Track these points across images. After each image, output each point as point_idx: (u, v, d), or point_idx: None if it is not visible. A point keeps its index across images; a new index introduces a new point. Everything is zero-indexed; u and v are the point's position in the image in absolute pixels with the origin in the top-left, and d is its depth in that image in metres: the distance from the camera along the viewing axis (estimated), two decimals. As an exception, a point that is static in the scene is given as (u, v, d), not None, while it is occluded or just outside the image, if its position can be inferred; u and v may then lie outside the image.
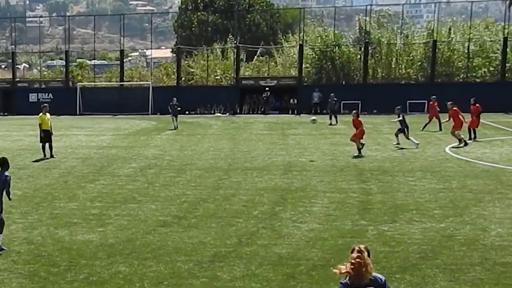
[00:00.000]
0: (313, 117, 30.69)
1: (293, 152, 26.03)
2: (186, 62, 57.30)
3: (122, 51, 58.32)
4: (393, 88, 50.09)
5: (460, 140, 27.42)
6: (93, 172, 21.94)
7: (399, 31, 53.86)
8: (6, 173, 12.59)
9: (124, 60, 62.88)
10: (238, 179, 19.95)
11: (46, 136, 25.39)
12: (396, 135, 28.05)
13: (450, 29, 53.35)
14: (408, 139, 27.37)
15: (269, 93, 50.51)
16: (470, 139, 28.98)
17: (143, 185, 19.30)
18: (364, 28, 52.97)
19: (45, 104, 27.48)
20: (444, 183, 18.78)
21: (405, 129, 27.51)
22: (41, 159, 25.01)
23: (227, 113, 50.35)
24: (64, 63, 59.41)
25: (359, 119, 26.13)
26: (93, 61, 70.57)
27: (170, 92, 52.08)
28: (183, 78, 54.95)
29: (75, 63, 65.93)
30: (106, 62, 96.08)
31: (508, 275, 10.67)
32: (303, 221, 14.38)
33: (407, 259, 11.55)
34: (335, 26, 56.43)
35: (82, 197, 17.61)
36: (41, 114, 25.71)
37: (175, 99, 38.69)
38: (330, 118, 39.36)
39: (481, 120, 30.73)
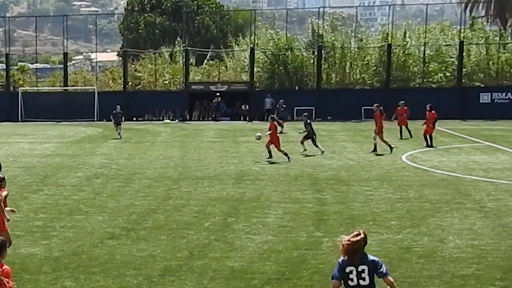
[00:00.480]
0: (258, 134, 28.18)
1: (245, 161, 25.65)
2: (133, 66, 56.22)
3: (65, 54, 56.47)
4: (347, 93, 49.84)
5: (375, 146, 27.85)
6: (37, 182, 21.35)
7: (353, 34, 53.69)
8: None
9: (68, 64, 60.93)
10: (189, 188, 19.59)
11: None
12: (302, 143, 27.97)
13: (405, 33, 53.07)
14: (316, 146, 27.60)
15: (219, 98, 49.92)
16: (427, 146, 28.98)
17: (89, 195, 18.87)
18: (317, 31, 52.77)
19: None
20: (401, 193, 18.58)
21: (313, 136, 27.70)
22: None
23: (177, 120, 49.66)
24: (5, 67, 57.12)
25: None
26: (35, 64, 68.68)
27: (117, 97, 51.17)
28: (130, 83, 53.98)
29: (16, 67, 63.43)
30: (49, 66, 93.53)
31: (467, 288, 10.52)
32: (257, 233, 14.10)
33: (364, 272, 11.20)
34: (287, 29, 56.45)
35: (25, 208, 16.96)
36: None
37: (118, 107, 37.38)
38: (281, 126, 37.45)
39: (437, 127, 30.76)
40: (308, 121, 28.08)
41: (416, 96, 45.04)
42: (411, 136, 33.01)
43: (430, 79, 51.48)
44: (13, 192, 18.78)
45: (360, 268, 7.54)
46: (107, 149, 30.51)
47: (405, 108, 34.24)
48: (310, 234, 13.93)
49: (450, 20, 73.81)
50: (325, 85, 51.91)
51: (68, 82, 54.27)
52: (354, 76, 52.58)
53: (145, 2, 75.96)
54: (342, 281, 7.57)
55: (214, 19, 74.51)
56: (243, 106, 50.95)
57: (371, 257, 7.71)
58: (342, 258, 7.59)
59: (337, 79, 52.80)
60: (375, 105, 29.65)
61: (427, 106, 30.43)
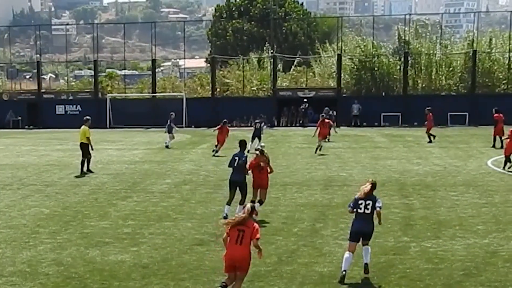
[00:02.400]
0: (262, 144, 27.33)
1: (333, 167, 25.76)
2: (221, 72, 56.89)
3: (153, 61, 57.40)
4: (433, 99, 49.21)
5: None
6: (125, 189, 21.34)
7: (438, 41, 53.37)
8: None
9: (156, 70, 62.01)
10: (277, 195, 19.68)
11: (86, 150, 25.08)
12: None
13: (490, 40, 52.91)
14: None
15: (307, 104, 50.15)
16: None
17: (178, 202, 18.90)
18: (403, 37, 52.48)
19: (88, 117, 26.46)
20: (486, 198, 18.56)
21: (257, 137, 30.07)
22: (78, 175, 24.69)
23: (265, 126, 49.95)
24: (93, 73, 58.06)
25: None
26: (123, 71, 69.00)
27: (205, 103, 52.15)
28: (218, 89, 54.61)
29: (104, 73, 64.42)
30: (137, 72, 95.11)
31: (554, 292, 10.46)
32: (345, 238, 13.99)
33: (450, 277, 11.39)
34: (373, 35, 56.13)
35: (114, 215, 17.10)
36: (83, 127, 25.30)
37: (173, 114, 37.01)
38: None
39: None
40: (262, 123, 29.57)
41: (501, 102, 44.19)
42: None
43: None
44: (101, 199, 19.37)
45: (367, 201, 11.62)
46: (196, 155, 30.80)
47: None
48: (397, 239, 14.01)
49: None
50: (411, 91, 51.60)
51: (157, 89, 54.91)
52: (440, 82, 52.25)
53: (233, 9, 76.99)
54: (355, 210, 11.68)
55: (302, 26, 74.88)
56: (330, 112, 50.90)
57: (374, 196, 11.82)
58: (358, 196, 11.80)
59: (423, 85, 52.51)
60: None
61: None
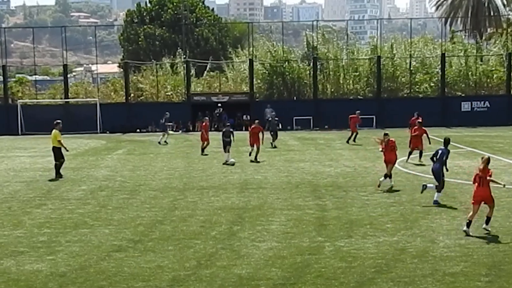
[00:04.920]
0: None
1: (248, 170, 26.16)
2: (134, 77, 56.46)
3: (65, 66, 56.06)
4: (342, 103, 51.03)
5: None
6: (40, 196, 20.85)
7: (344, 47, 55.17)
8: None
9: (68, 76, 60.62)
10: (194, 199, 19.85)
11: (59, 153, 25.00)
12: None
13: (392, 46, 55.61)
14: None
15: (221, 109, 50.49)
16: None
17: (94, 208, 18.70)
18: (311, 43, 53.80)
19: (59, 121, 26.26)
20: (394, 197, 19.44)
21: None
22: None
23: (180, 131, 50.03)
24: (2, 79, 55.65)
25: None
26: (34, 76, 67.22)
27: (119, 109, 51.64)
28: (132, 94, 54.19)
29: (14, 79, 61.84)
30: (48, 78, 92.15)
31: (456, 285, 11.13)
32: (262, 240, 14.44)
33: (363, 274, 11.81)
34: (283, 41, 57.18)
35: (28, 224, 16.68)
36: (54, 131, 25.19)
37: (168, 113, 40.16)
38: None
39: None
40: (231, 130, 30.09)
41: (405, 105, 46.76)
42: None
43: (417, 89, 53.40)
44: (15, 208, 18.85)
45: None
46: (111, 161, 30.53)
47: (359, 118, 36.26)
48: (312, 239, 14.41)
49: (432, 33, 76.78)
50: (321, 95, 53.06)
51: (69, 94, 53.81)
52: (348, 86, 54.09)
53: (144, 14, 76.40)
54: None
55: (213, 31, 75.21)
56: (244, 116, 51.57)
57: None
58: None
59: (332, 90, 54.10)
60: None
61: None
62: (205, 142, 32.49)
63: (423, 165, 26.15)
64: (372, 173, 24.54)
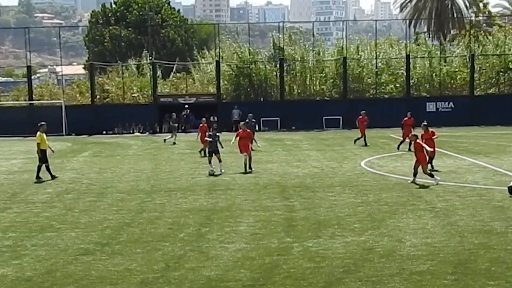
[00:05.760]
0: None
1: (216, 171, 26.01)
2: (100, 79, 56.02)
3: (29, 67, 55.38)
4: (309, 104, 51.52)
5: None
6: (4, 200, 20.51)
7: (310, 48, 55.53)
8: None
9: (32, 77, 59.89)
10: (162, 201, 19.76)
11: (44, 156, 24.76)
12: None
13: (358, 47, 56.36)
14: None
15: (188, 110, 50.41)
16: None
17: (61, 211, 18.47)
18: (278, 44, 54.02)
19: (43, 123, 25.78)
20: (362, 197, 19.59)
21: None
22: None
23: (147, 132, 49.83)
24: None
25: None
26: None
27: (85, 110, 51.22)
28: (98, 96, 53.71)
29: None
30: (12, 80, 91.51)
31: (423, 284, 11.25)
32: (230, 241, 14.44)
33: (332, 274, 11.88)
34: (250, 42, 57.32)
35: None
36: (39, 133, 24.88)
37: (174, 114, 40.31)
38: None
39: (390, 135, 32.45)
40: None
41: (371, 106, 47.38)
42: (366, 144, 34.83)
43: (383, 90, 54.11)
44: None
45: None
46: (77, 163, 30.20)
47: (366, 117, 35.90)
48: (280, 240, 14.44)
49: (397, 35, 77.98)
50: (288, 96, 53.34)
51: (34, 96, 53.17)
52: (314, 87, 54.41)
53: (110, 15, 75.84)
54: None
55: (179, 32, 75.00)
56: (211, 118, 51.43)
57: None
58: None
59: (299, 91, 54.42)
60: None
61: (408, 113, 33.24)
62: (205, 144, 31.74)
63: (390, 165, 26.44)
64: (339, 173, 24.75)
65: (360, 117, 36.02)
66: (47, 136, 25.56)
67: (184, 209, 18.38)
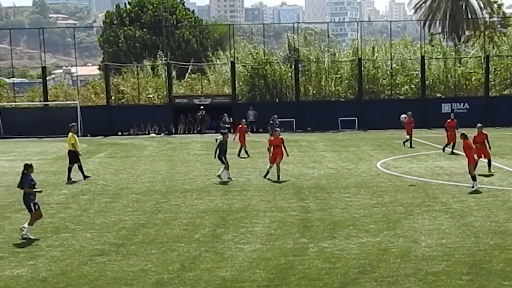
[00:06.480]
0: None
1: (232, 172, 25.77)
2: (115, 79, 55.95)
3: (44, 68, 55.46)
4: (324, 105, 51.42)
5: None
6: (19, 201, 19.75)
7: (326, 49, 55.36)
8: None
9: (47, 78, 59.91)
10: (178, 202, 19.78)
11: (76, 156, 24.91)
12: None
13: (373, 48, 56.06)
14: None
15: (204, 111, 50.41)
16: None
17: (76, 212, 18.52)
18: (293, 45, 53.92)
19: (74, 123, 26.26)
20: (377, 198, 19.55)
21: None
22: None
23: (162, 133, 49.87)
24: None
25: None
26: (12, 79, 65.61)
27: (100, 111, 51.27)
28: (113, 97, 53.65)
29: None
30: (27, 80, 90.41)
31: (438, 284, 11.24)
32: (246, 242, 14.45)
33: (347, 275, 11.88)
34: (264, 43, 57.31)
35: (7, 229, 16.45)
36: (71, 134, 25.13)
37: (226, 115, 39.30)
38: None
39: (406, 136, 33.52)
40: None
41: (386, 107, 47.05)
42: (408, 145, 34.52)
43: (398, 91, 53.88)
44: None
45: None
46: (93, 164, 30.16)
47: (412, 118, 35.29)
48: (296, 241, 14.45)
49: (412, 36, 77.68)
50: (303, 97, 53.29)
51: (49, 97, 53.13)
52: (329, 88, 54.30)
53: (124, 16, 75.94)
54: None
55: (194, 33, 75.00)
56: (227, 119, 51.47)
57: None
58: None
59: (314, 92, 54.28)
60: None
61: (451, 114, 33.23)
62: (242, 145, 31.68)
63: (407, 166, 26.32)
64: (355, 175, 24.66)
65: (407, 118, 35.54)
66: (63, 137, 25.66)
67: (199, 210, 18.41)
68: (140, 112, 51.26)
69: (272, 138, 24.30)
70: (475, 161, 21.10)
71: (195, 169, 27.41)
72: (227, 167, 23.86)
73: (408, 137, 34.29)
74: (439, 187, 21.27)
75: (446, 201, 18.76)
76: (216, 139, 33.93)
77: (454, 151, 29.86)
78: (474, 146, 21.94)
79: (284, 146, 23.83)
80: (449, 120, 32.32)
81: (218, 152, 24.01)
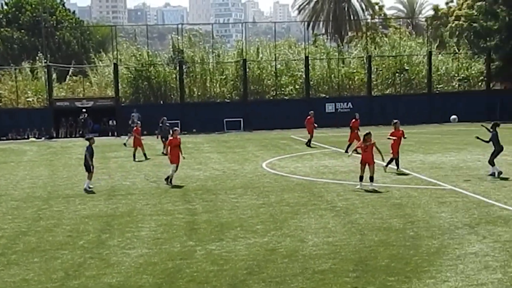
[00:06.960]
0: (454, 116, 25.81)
1: (116, 176, 25.67)
2: (-9, 83, 53.96)
3: None
4: (210, 106, 51.61)
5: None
6: None
7: (210, 50, 55.61)
8: None
9: None
10: (60, 207, 19.24)
11: None
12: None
13: (258, 49, 56.90)
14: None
15: (86, 114, 49.23)
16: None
17: None
18: (177, 47, 53.76)
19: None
20: (263, 198, 19.74)
21: None
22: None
23: (43, 138, 48.35)
24: None
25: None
26: None
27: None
28: (-11, 101, 51.74)
29: None
30: None
31: (326, 282, 11.45)
32: (132, 247, 14.23)
33: (235, 276, 11.91)
34: (148, 44, 56.78)
35: None
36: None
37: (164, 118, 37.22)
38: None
39: (291, 136, 32.91)
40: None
41: (271, 107, 47.79)
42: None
43: (283, 91, 54.85)
44: None
45: None
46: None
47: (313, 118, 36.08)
48: (183, 244, 14.36)
49: (296, 37, 79.44)
50: (188, 98, 53.16)
51: None
52: (215, 89, 54.59)
53: (1, 16, 73.24)
54: None
55: (75, 35, 73.27)
56: (110, 122, 50.59)
57: None
58: None
59: (199, 93, 54.37)
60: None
61: (356, 115, 33.12)
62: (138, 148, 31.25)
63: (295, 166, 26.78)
64: (241, 175, 24.86)
65: (308, 117, 36.07)
66: None
67: (83, 215, 17.96)
68: (19, 116, 49.57)
69: (172, 138, 23.72)
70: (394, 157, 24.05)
71: (78, 174, 26.62)
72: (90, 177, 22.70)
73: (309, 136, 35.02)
74: (324, 185, 21.78)
75: (331, 199, 19.22)
76: (125, 144, 33.18)
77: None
78: (393, 140, 24.18)
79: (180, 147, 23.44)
80: (354, 120, 32.73)
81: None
